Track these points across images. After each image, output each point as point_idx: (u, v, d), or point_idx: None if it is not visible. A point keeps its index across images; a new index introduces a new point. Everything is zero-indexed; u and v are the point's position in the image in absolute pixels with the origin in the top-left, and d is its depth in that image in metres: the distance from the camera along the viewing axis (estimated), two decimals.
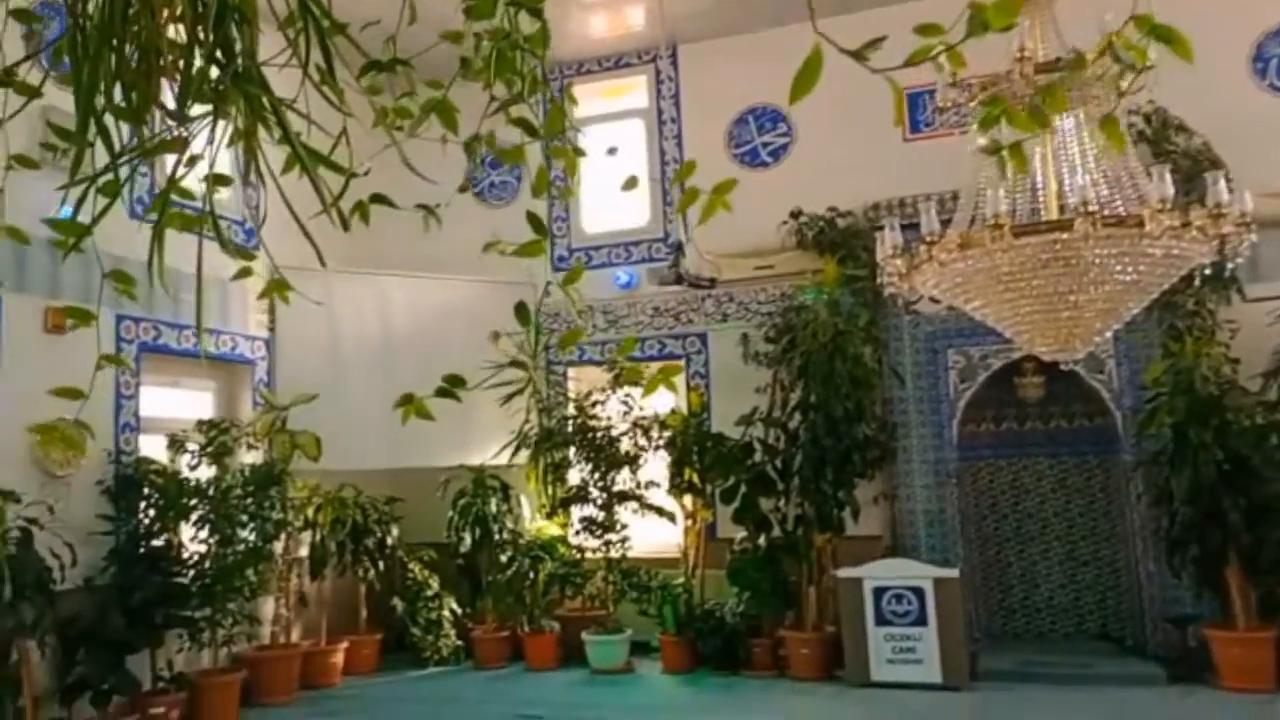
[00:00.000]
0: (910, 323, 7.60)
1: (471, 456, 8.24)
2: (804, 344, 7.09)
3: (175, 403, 7.18)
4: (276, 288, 1.86)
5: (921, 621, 6.70)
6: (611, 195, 9.10)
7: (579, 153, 1.89)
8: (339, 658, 7.44)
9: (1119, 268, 3.64)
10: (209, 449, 6.66)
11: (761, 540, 7.40)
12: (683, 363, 8.53)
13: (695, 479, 7.78)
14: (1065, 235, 3.54)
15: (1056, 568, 8.01)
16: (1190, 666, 6.46)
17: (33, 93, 1.63)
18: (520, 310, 1.85)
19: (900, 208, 7.47)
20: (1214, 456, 6.18)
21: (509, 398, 8.15)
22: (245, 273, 1.91)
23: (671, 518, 7.92)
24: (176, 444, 6.64)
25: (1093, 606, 7.84)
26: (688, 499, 7.90)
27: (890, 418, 7.50)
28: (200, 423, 6.79)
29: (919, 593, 6.74)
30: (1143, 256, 3.65)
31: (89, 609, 5.77)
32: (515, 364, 7.86)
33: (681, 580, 7.74)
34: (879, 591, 6.83)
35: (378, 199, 1.81)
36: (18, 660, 5.17)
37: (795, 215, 7.88)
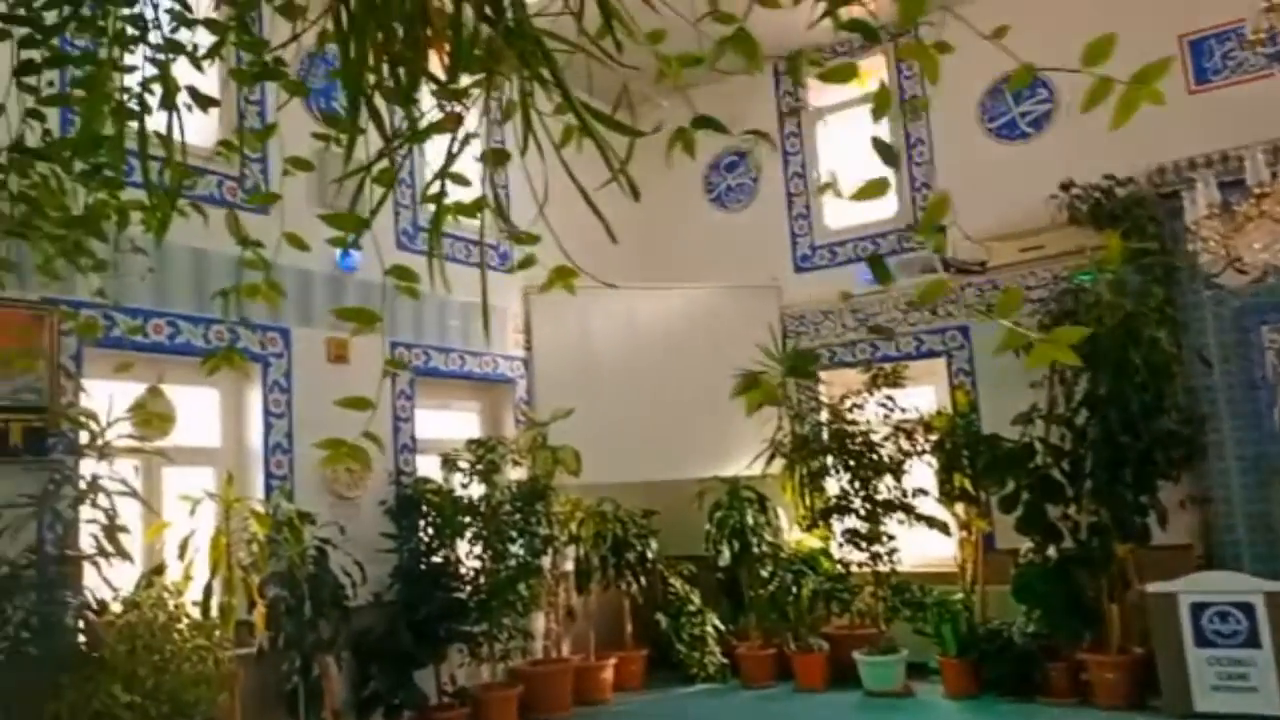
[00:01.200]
0: (1212, 299, 6.65)
1: (725, 467, 8.07)
2: (1089, 329, 6.36)
3: (445, 424, 7.52)
4: (561, 276, 1.71)
5: (1253, 643, 5.80)
6: (855, 185, 8.74)
7: (942, 49, 1.58)
8: (609, 673, 7.47)
9: None
10: (478, 467, 6.88)
11: (1050, 552, 6.70)
12: (943, 360, 7.95)
13: (968, 486, 7.19)
14: None
15: None
16: None
17: (299, 90, 1.57)
18: (876, 264, 1.57)
19: (1191, 169, 6.57)
20: None
21: (758, 406, 7.89)
22: (528, 262, 1.79)
23: (944, 528, 7.35)
24: (449, 463, 6.92)
25: None
26: (960, 507, 7.31)
27: (1196, 409, 6.58)
28: (469, 442, 7.04)
29: (1248, 610, 5.84)
30: None
31: (379, 624, 6.10)
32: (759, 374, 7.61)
33: (960, 596, 7.16)
34: (1198, 609, 5.97)
35: (703, 121, 1.58)
36: (318, 674, 5.50)
37: (1065, 188, 7.11)
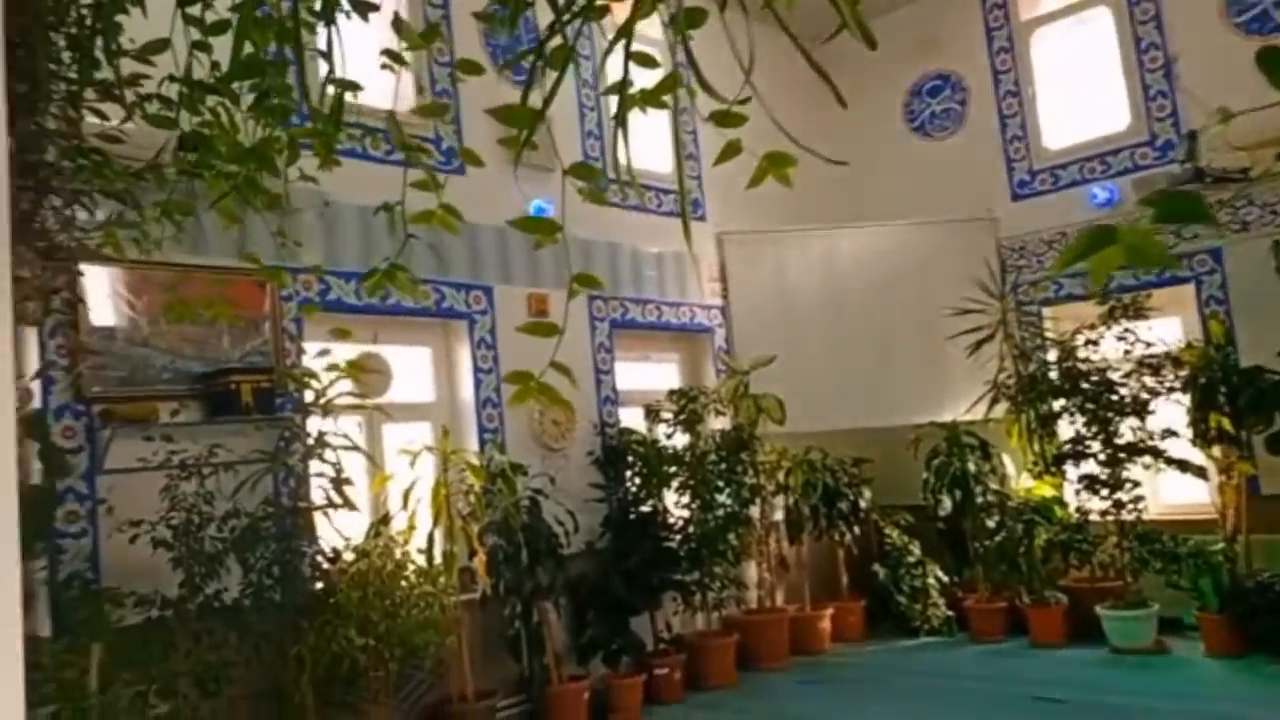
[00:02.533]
0: None
1: (941, 412, 7.59)
2: None
3: (646, 376, 7.43)
4: (776, 165, 1.46)
5: None
6: (1077, 100, 7.96)
7: None
8: (826, 624, 7.23)
9: None
10: (681, 417, 6.75)
11: None
12: (1191, 287, 7.09)
13: (1226, 425, 6.38)
14: None
15: None
16: None
17: None
18: (1269, 59, 1.21)
19: None
20: None
21: (978, 345, 7.38)
22: (731, 151, 1.55)
23: (1200, 473, 6.58)
24: (652, 414, 6.83)
25: None
26: (1218, 450, 6.51)
27: None
28: (671, 392, 6.92)
29: None
30: None
31: (592, 572, 6.10)
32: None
33: (1219, 546, 6.40)
34: None
35: None
36: (538, 621, 5.55)
37: None
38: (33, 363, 4.27)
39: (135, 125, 1.97)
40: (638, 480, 6.53)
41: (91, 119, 2.00)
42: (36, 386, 4.20)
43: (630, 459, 6.56)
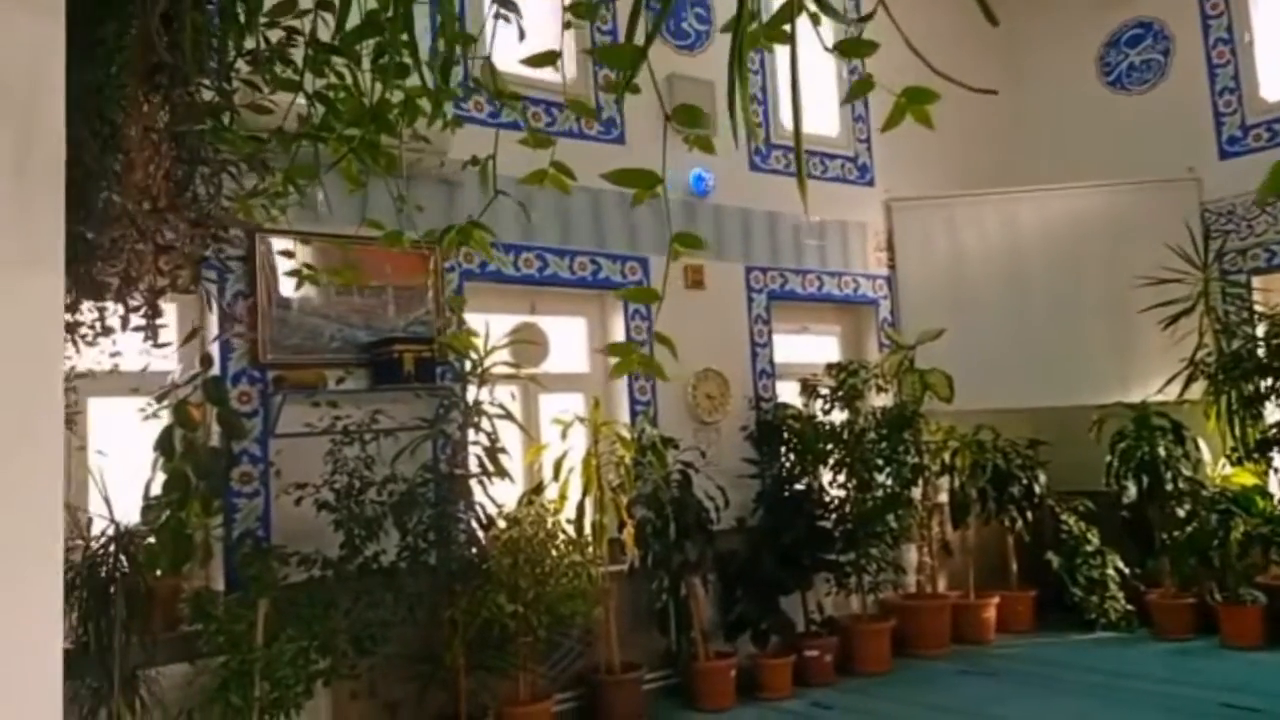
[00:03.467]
0: None
1: (1129, 392, 7.01)
2: None
3: (804, 348, 7.24)
4: (916, 101, 1.31)
5: None
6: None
7: None
8: (991, 613, 6.85)
9: None
10: (840, 392, 6.53)
11: None
12: None
13: None
14: None
15: None
16: None
17: None
18: None
19: None
20: None
21: (1174, 319, 6.76)
22: (863, 87, 1.41)
23: None
24: (809, 388, 6.64)
25: None
26: None
27: None
28: (829, 366, 6.71)
29: None
30: None
31: (743, 549, 6.02)
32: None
33: None
34: None
35: None
36: (686, 595, 5.54)
37: None
38: (212, 329, 4.58)
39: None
40: (792, 457, 6.38)
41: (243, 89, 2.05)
42: (215, 351, 4.50)
43: (785, 435, 6.41)
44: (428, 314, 5.32)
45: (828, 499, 6.37)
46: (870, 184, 7.61)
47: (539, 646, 4.87)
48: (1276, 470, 6.36)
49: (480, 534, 4.88)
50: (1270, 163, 5.92)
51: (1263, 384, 6.43)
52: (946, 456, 6.98)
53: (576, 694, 5.29)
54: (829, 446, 6.37)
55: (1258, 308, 6.87)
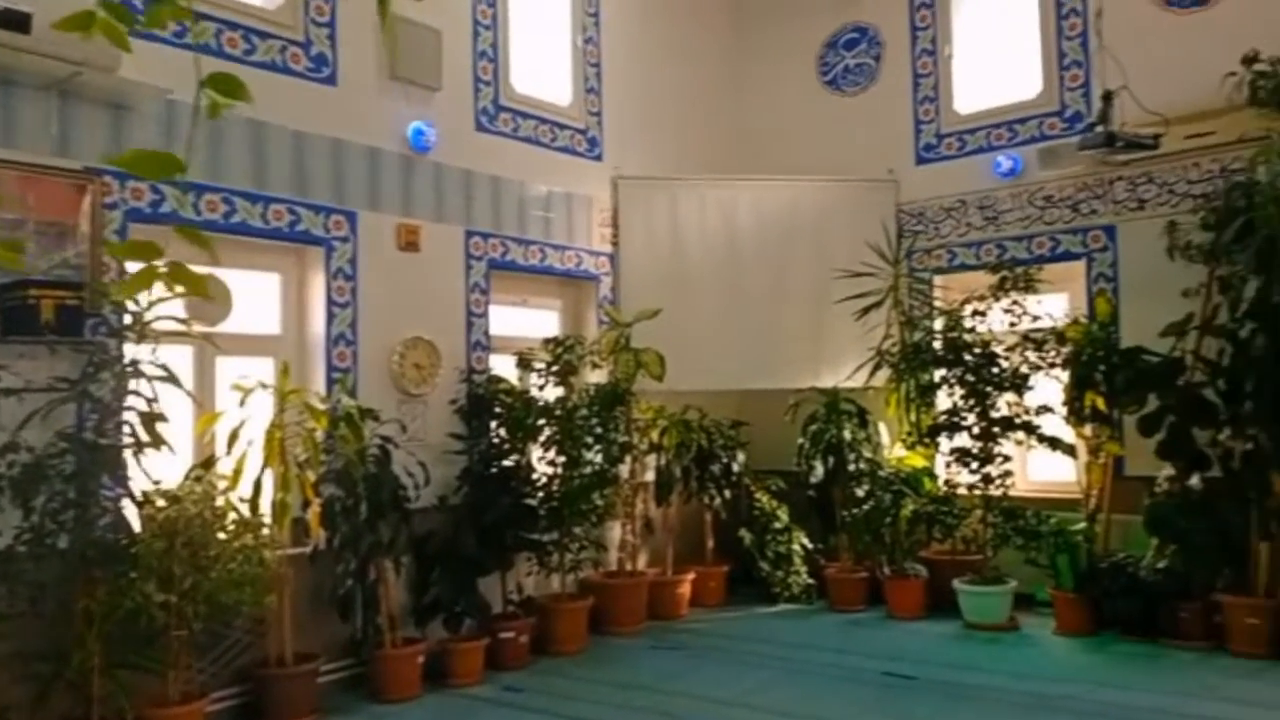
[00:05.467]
0: None
1: (824, 378, 7.43)
2: (1266, 227, 5.37)
3: (524, 322, 7.05)
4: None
5: None
6: (992, 65, 7.71)
7: None
8: (685, 589, 7.05)
9: None
10: (555, 368, 6.41)
11: (1194, 481, 5.88)
12: (1082, 264, 7.01)
13: (1101, 404, 6.36)
14: None
15: None
16: None
17: None
18: None
19: None
20: None
21: (865, 311, 7.21)
22: None
23: (1070, 451, 6.57)
24: (525, 362, 6.46)
25: None
26: (1089, 428, 6.50)
27: None
28: (546, 340, 6.56)
29: None
30: None
31: (443, 528, 5.75)
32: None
33: (1081, 525, 6.41)
34: None
35: None
36: (375, 579, 5.19)
37: (1249, 61, 5.96)
38: None
39: None
40: (502, 432, 6.17)
41: None
42: None
43: (497, 409, 6.19)
44: (79, 257, 4.58)
45: (536, 476, 6.23)
46: (599, 159, 7.51)
47: (195, 640, 4.35)
48: (943, 454, 6.96)
49: (131, 513, 4.27)
50: (957, 169, 6.32)
51: (937, 374, 7.00)
52: (655, 435, 7.08)
53: (240, 690, 4.79)
54: (540, 422, 6.22)
55: (937, 303, 7.47)
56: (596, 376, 6.86)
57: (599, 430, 6.40)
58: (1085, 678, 5.35)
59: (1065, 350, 6.52)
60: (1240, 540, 5.77)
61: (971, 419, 6.72)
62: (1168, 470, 6.02)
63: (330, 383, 5.54)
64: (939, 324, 7.25)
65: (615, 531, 6.98)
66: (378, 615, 5.18)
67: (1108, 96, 6.18)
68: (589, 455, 6.34)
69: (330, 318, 5.65)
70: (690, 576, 7.12)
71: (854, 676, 5.47)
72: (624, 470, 6.80)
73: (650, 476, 7.15)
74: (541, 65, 7.17)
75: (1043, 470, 7.18)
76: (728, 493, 7.26)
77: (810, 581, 7.28)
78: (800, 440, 7.32)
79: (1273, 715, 4.63)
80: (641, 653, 6.04)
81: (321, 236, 5.64)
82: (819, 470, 7.17)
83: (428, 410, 6.02)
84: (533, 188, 6.90)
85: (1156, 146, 6.15)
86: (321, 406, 5.06)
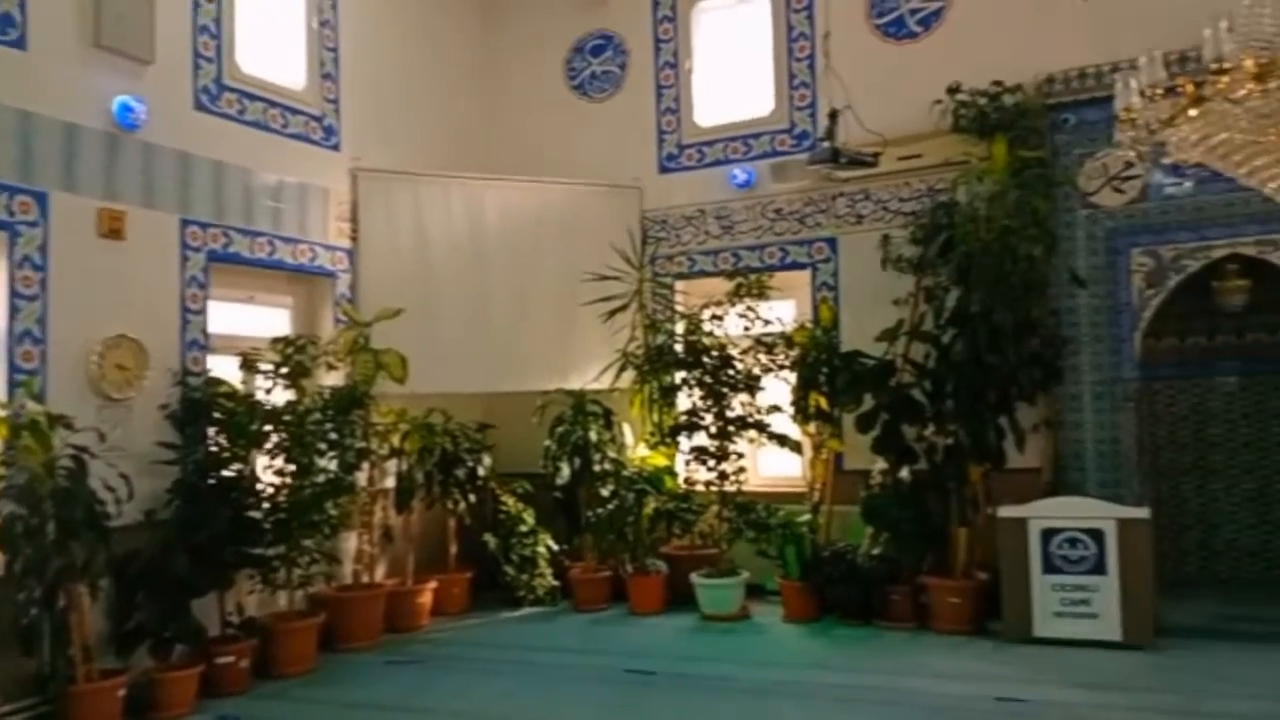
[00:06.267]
0: (1087, 219, 6.35)
1: (571, 380, 7.45)
2: (965, 244, 5.95)
3: (249, 320, 6.54)
4: None
5: (1099, 570, 5.67)
6: (730, 81, 8.06)
7: None
8: (426, 598, 6.81)
9: None
10: (284, 369, 5.98)
11: (904, 473, 6.41)
12: (808, 273, 7.47)
13: (823, 404, 6.80)
14: None
15: (1244, 506, 6.86)
16: None
17: None
18: None
19: (1081, 80, 6.20)
20: None
21: (611, 314, 7.30)
22: None
23: (796, 447, 6.97)
24: (249, 364, 5.98)
25: None
26: (813, 426, 6.93)
27: (1059, 331, 6.31)
28: (275, 340, 6.11)
29: (1097, 536, 5.70)
30: None
31: (150, 547, 5.19)
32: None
33: (806, 518, 6.82)
34: (1048, 534, 5.80)
35: None
36: (66, 606, 4.60)
37: (952, 92, 6.59)
38: None
39: None
40: (222, 439, 5.67)
41: None
42: None
43: (216, 414, 5.68)
44: None
45: (261, 487, 5.77)
46: (336, 148, 7.12)
47: None
48: (683, 453, 7.17)
49: None
50: (696, 180, 6.50)
51: (678, 376, 7.21)
52: (396, 440, 6.79)
53: None
54: (267, 428, 5.79)
55: (679, 308, 7.70)
56: (332, 379, 6.49)
57: (333, 436, 6.04)
58: (809, 662, 5.68)
59: (793, 353, 6.91)
60: (942, 526, 6.35)
61: (709, 419, 6.99)
62: (881, 464, 6.53)
63: (12, 386, 4.86)
64: (680, 327, 7.47)
65: (351, 542, 6.63)
66: (69, 647, 4.58)
67: (833, 115, 6.62)
68: (322, 463, 5.97)
69: (13, 312, 4.97)
70: (432, 585, 6.89)
71: (596, 676, 5.49)
72: (361, 477, 6.47)
73: (390, 483, 6.85)
74: (274, 46, 6.71)
75: (773, 466, 7.58)
76: (473, 497, 7.10)
77: (555, 583, 7.27)
78: (547, 442, 7.31)
79: (973, 685, 5.07)
80: (377, 669, 5.75)
81: (3, 220, 4.94)
82: (565, 471, 7.19)
83: (133, 416, 5.43)
84: (261, 175, 6.42)
85: (876, 164, 6.67)
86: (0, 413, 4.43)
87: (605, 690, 5.24)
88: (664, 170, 8.12)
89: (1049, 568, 5.78)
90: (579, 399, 7.32)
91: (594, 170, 8.07)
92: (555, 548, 7.37)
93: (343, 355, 6.49)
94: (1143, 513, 5.72)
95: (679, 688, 5.24)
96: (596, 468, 7.15)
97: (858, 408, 6.57)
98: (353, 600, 6.34)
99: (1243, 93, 2.57)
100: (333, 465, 6.02)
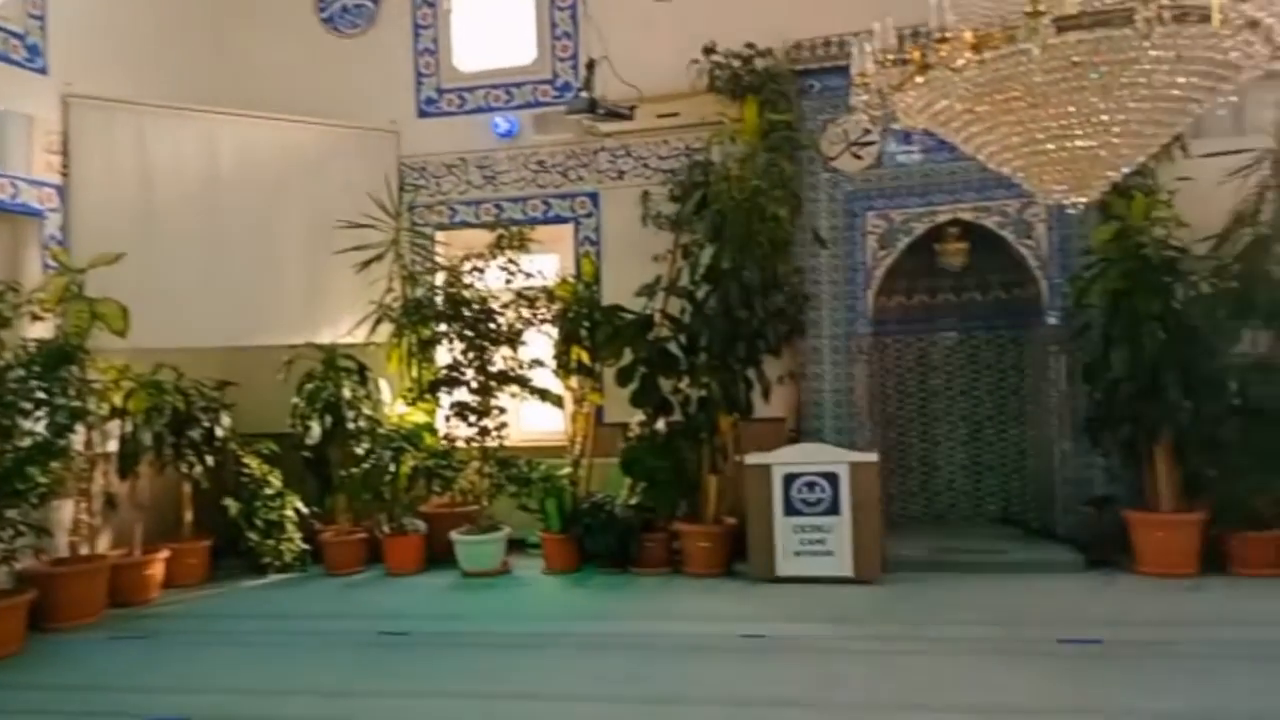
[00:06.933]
0: (829, 181, 6.72)
1: (322, 333, 7.09)
2: (717, 202, 6.12)
3: None
4: None
5: (833, 510, 6.08)
6: (492, 25, 7.82)
7: None
8: (157, 569, 6.27)
9: (1170, 78, 2.80)
10: None
11: (660, 425, 6.59)
12: (570, 227, 7.46)
13: (585, 358, 6.84)
14: (1117, 32, 2.65)
15: (959, 448, 7.59)
16: (1105, 550, 6.09)
17: None
18: None
19: (827, 48, 6.51)
20: (1158, 328, 5.69)
21: (366, 264, 6.98)
22: None
23: (558, 401, 6.99)
24: None
25: (995, 489, 7.46)
26: (575, 380, 6.97)
27: (802, 288, 6.67)
28: None
29: (833, 479, 6.10)
30: (1197, 62, 2.81)
31: None
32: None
33: (567, 471, 6.87)
34: (789, 479, 6.15)
35: None
36: None
37: (709, 52, 6.74)
38: None
39: None
40: None
41: None
42: None
43: None
44: None
45: None
46: (43, 71, 6.29)
47: None
48: (444, 408, 7.00)
49: None
50: (458, 126, 6.27)
51: (438, 329, 7.01)
52: (118, 399, 6.16)
53: None
54: None
55: (439, 259, 7.46)
56: (39, 330, 5.77)
57: (41, 395, 5.38)
58: (567, 612, 5.77)
59: (555, 307, 6.89)
60: (695, 475, 6.59)
61: (470, 373, 6.85)
62: (640, 416, 6.67)
63: None
64: (440, 279, 7.25)
65: (66, 512, 5.98)
66: None
67: (590, 65, 6.61)
68: (28, 425, 5.31)
69: None
70: (163, 555, 6.35)
71: (346, 640, 5.27)
72: (78, 440, 5.82)
73: (113, 446, 6.22)
74: None
75: (535, 421, 7.57)
76: (210, 460, 6.59)
77: (305, 548, 6.92)
78: (295, 399, 6.92)
79: (719, 625, 5.30)
80: (96, 647, 5.23)
81: None
82: (316, 430, 6.84)
83: None
84: None
85: (632, 117, 6.73)
86: None
87: (354, 654, 5.04)
88: (423, 115, 7.82)
89: (790, 510, 6.13)
90: (330, 354, 6.97)
91: (347, 111, 7.63)
92: (305, 511, 7.00)
93: (51, 304, 5.79)
94: (872, 456, 6.18)
95: (434, 646, 5.13)
96: (350, 425, 6.86)
97: (618, 362, 6.66)
98: (68, 575, 5.72)
99: (961, 62, 2.77)
100: (40, 427, 5.37)
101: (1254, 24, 2.78)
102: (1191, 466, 6.01)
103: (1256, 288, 5.83)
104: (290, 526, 6.87)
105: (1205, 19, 2.70)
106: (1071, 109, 2.91)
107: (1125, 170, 3.22)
